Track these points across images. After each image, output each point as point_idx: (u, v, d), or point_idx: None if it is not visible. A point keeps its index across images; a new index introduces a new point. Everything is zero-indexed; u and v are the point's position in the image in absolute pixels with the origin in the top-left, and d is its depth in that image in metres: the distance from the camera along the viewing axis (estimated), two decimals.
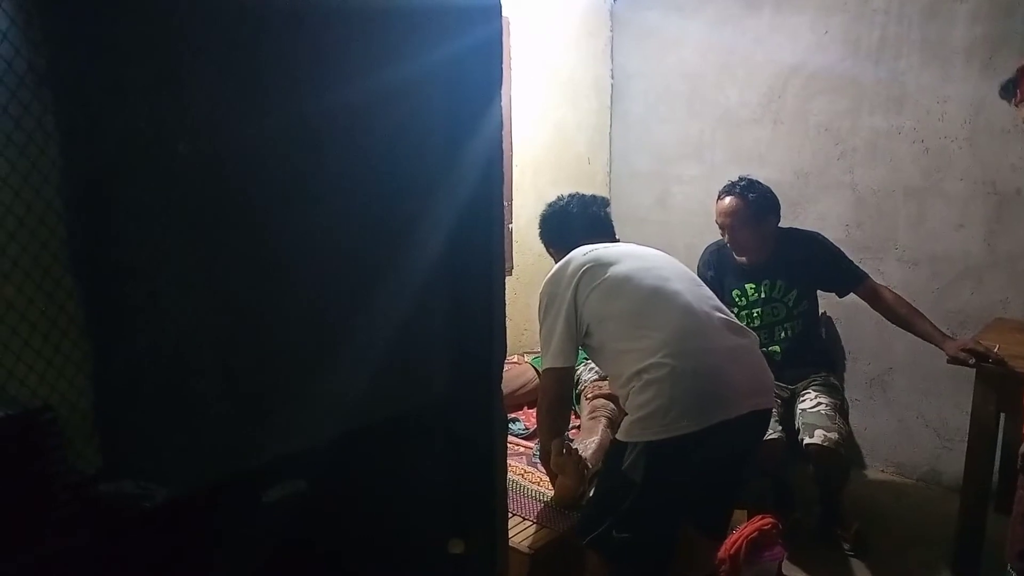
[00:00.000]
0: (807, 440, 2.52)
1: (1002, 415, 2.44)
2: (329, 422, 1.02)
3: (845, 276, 2.78)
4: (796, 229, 2.89)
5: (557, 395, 2.04)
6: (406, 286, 1.09)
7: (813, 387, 2.77)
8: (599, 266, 1.96)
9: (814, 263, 2.79)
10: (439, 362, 1.16)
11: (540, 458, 2.24)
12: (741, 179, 2.77)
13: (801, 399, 2.74)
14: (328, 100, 0.96)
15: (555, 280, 2.02)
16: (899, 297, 2.69)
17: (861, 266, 2.81)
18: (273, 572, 0.98)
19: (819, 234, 2.87)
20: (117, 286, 0.85)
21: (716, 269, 2.90)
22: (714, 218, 2.81)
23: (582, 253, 2.02)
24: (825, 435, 2.51)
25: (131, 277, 0.85)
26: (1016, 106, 1.79)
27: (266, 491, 0.92)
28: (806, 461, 2.62)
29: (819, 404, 2.66)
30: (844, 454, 2.57)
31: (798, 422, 2.63)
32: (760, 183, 2.76)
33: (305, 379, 1.00)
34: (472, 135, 1.10)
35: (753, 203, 2.71)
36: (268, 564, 0.97)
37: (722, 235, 2.81)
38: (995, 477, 2.61)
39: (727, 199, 2.75)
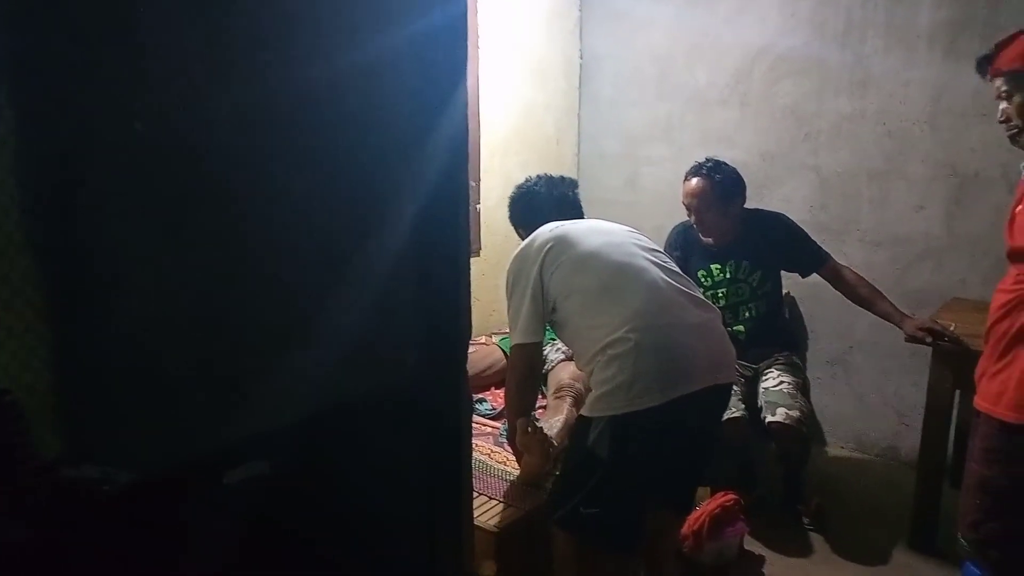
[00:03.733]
0: (769, 418, 2.57)
1: (957, 392, 2.51)
2: (295, 403, 1.02)
3: (809, 257, 2.82)
4: (761, 210, 2.92)
5: (525, 372, 2.06)
6: (373, 266, 1.08)
7: (776, 366, 2.82)
8: (565, 241, 1.97)
9: (779, 244, 2.83)
10: (406, 342, 1.17)
11: (507, 437, 2.26)
12: (708, 160, 2.79)
13: (764, 378, 2.79)
14: (292, 79, 0.95)
15: (521, 257, 2.03)
16: (861, 277, 2.74)
17: (824, 247, 2.85)
18: (241, 554, 0.98)
19: (784, 215, 2.91)
20: (78, 268, 0.84)
21: (682, 249, 2.93)
22: (681, 199, 2.83)
23: (548, 230, 2.03)
24: (787, 413, 2.56)
25: (92, 259, 0.83)
26: (990, 80, 1.82)
27: (229, 473, 0.92)
28: (768, 439, 2.67)
29: (781, 383, 2.71)
30: (805, 432, 2.62)
31: (761, 400, 2.68)
32: (726, 164, 2.79)
33: (272, 360, 1.00)
34: (438, 115, 1.10)
35: (719, 184, 2.73)
36: (235, 546, 0.97)
37: (688, 216, 2.84)
38: (950, 452, 2.68)
39: (693, 180, 2.77)
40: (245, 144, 0.92)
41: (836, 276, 2.77)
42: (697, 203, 2.76)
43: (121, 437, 0.87)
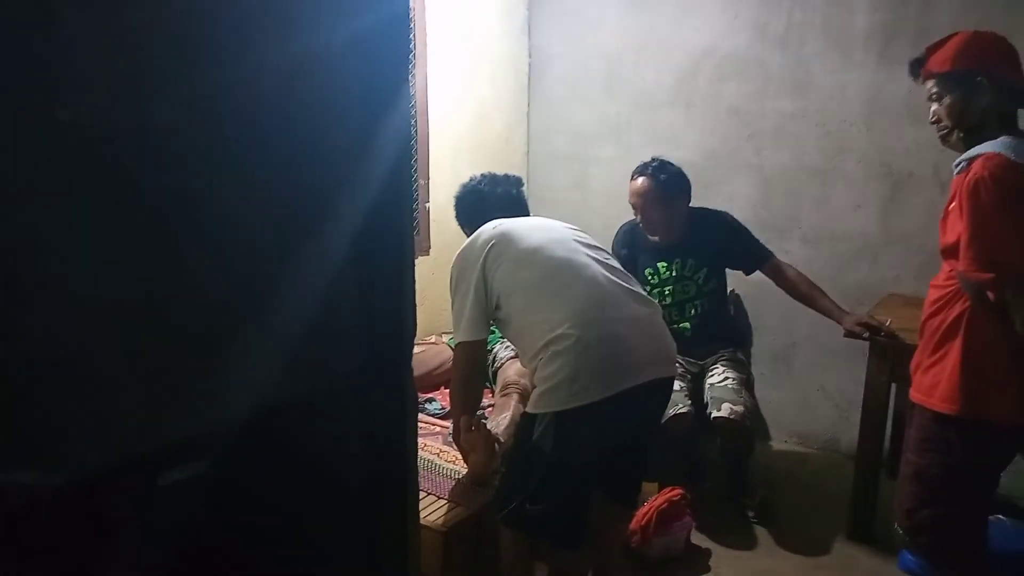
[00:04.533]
0: (715, 413, 2.62)
1: (893, 385, 2.58)
2: (233, 403, 1.00)
3: (752, 254, 2.88)
4: (707, 209, 2.97)
5: (469, 370, 2.06)
6: (314, 266, 1.06)
7: (721, 362, 2.86)
8: (507, 239, 1.98)
9: (723, 242, 2.88)
10: (349, 342, 1.15)
11: (453, 435, 2.25)
12: (653, 160, 2.83)
13: (709, 374, 2.83)
14: (226, 73, 0.92)
15: (464, 254, 2.02)
16: (801, 274, 2.81)
17: (767, 245, 2.92)
18: (174, 558, 0.95)
19: (728, 214, 2.96)
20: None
21: (630, 248, 2.96)
22: (628, 199, 2.86)
23: (490, 227, 2.03)
24: (732, 408, 2.61)
25: (15, 253, 0.80)
26: (922, 83, 1.88)
27: (162, 474, 0.89)
28: (714, 434, 2.71)
29: (726, 379, 2.76)
30: (749, 426, 2.67)
31: (706, 396, 2.73)
32: (672, 164, 2.82)
33: (208, 359, 0.97)
34: (382, 112, 1.08)
35: (664, 184, 2.77)
36: (168, 550, 0.94)
37: (635, 215, 2.87)
38: (887, 444, 2.77)
39: (639, 180, 2.80)
40: (177, 139, 0.89)
41: (778, 273, 2.83)
42: (643, 202, 2.80)
43: (44, 439, 0.84)
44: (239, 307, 1.00)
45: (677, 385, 2.43)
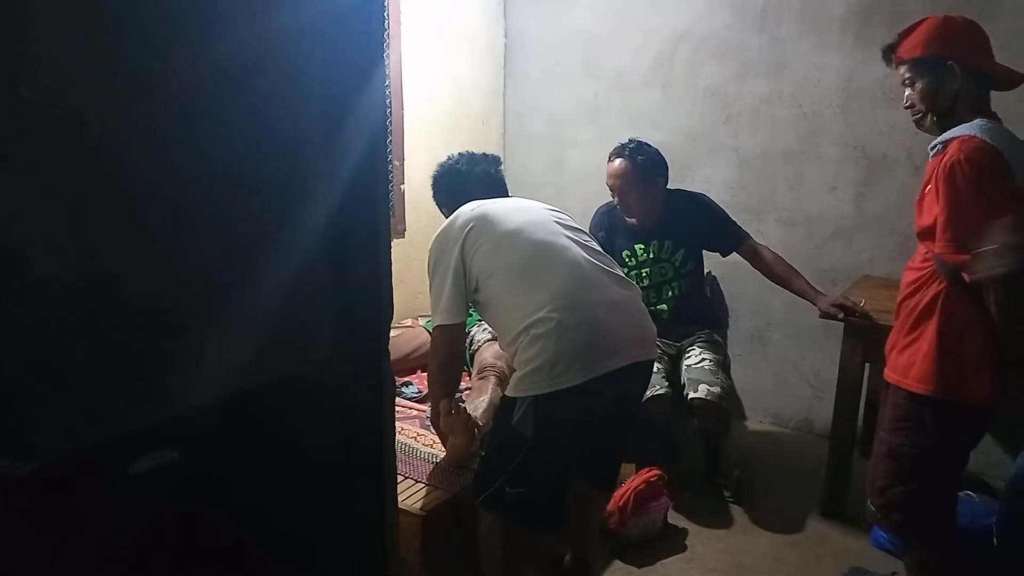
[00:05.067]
0: (692, 395, 2.63)
1: (867, 365, 2.61)
2: (209, 388, 0.98)
3: (729, 236, 2.89)
4: (684, 191, 2.98)
5: (447, 353, 2.04)
6: (289, 248, 1.05)
7: (698, 344, 2.88)
8: (487, 221, 1.96)
9: (700, 224, 2.89)
10: (325, 325, 1.13)
11: (432, 419, 2.24)
12: (631, 141, 2.82)
13: (687, 355, 2.85)
14: (196, 53, 0.90)
15: (443, 236, 2.00)
16: (778, 256, 2.83)
17: (744, 227, 2.93)
18: (148, 545, 0.94)
19: (705, 196, 2.97)
20: None
21: (607, 230, 2.96)
22: (605, 180, 2.85)
23: (469, 209, 2.01)
24: (709, 389, 2.62)
25: None
26: (895, 68, 1.89)
27: (134, 462, 0.87)
28: (691, 415, 2.73)
29: (703, 360, 2.78)
30: (726, 407, 2.69)
31: (683, 378, 2.74)
32: (649, 145, 2.82)
33: (181, 343, 0.95)
34: (356, 92, 1.06)
35: (641, 165, 2.76)
36: (147, 535, 0.93)
37: (612, 197, 2.86)
38: (860, 424, 2.81)
39: (616, 161, 2.79)
40: (146, 121, 0.87)
41: (754, 255, 2.85)
42: (621, 184, 2.79)
43: (14, 426, 0.82)
44: (212, 291, 0.98)
45: (654, 367, 2.44)
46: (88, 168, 0.82)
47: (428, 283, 2.03)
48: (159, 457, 0.89)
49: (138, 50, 0.84)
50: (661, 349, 2.83)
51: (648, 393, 2.51)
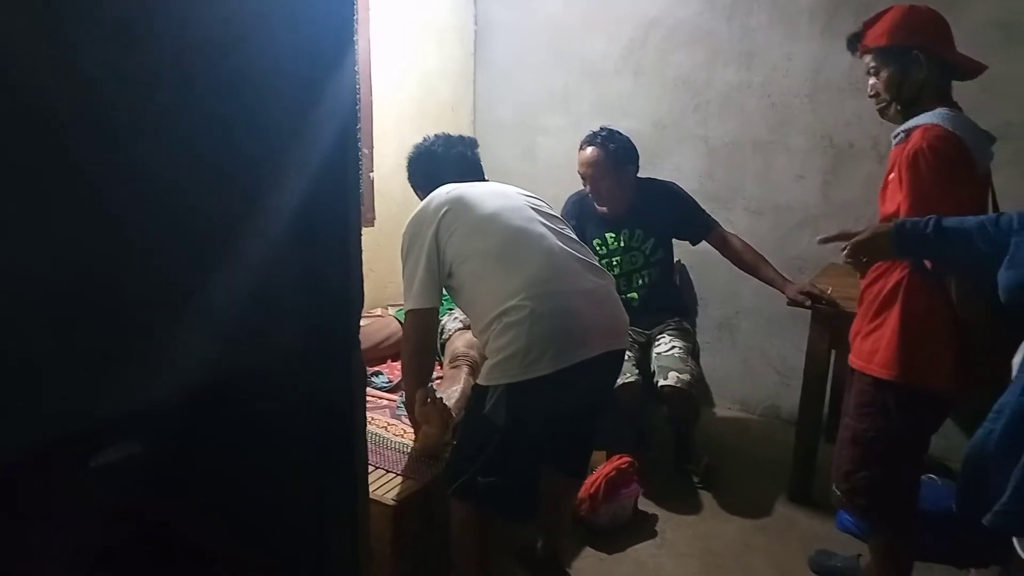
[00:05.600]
0: (662, 382, 2.65)
1: (833, 352, 2.65)
2: (176, 379, 0.96)
3: (698, 225, 2.91)
4: (654, 179, 2.99)
5: (420, 340, 2.01)
6: (257, 236, 1.02)
7: (668, 332, 2.90)
8: (462, 204, 1.94)
9: (670, 212, 2.90)
10: (294, 314, 1.11)
11: (405, 407, 2.23)
12: (602, 129, 2.82)
13: (656, 343, 2.87)
14: (162, 36, 0.87)
15: (417, 220, 1.97)
16: (746, 244, 2.85)
17: (713, 215, 2.95)
18: (122, 535, 0.92)
19: (675, 184, 2.98)
20: None
21: (578, 219, 2.96)
22: (576, 168, 2.85)
23: (445, 192, 1.98)
24: (678, 377, 2.64)
25: None
26: (860, 57, 1.91)
27: (95, 455, 0.85)
28: (660, 402, 2.75)
29: (673, 348, 2.80)
30: (695, 394, 2.72)
31: (653, 365, 2.76)
32: (620, 134, 2.82)
33: (147, 333, 0.93)
34: (325, 78, 1.04)
35: (613, 153, 2.77)
36: (114, 528, 0.91)
37: (584, 185, 2.86)
38: (826, 410, 2.85)
39: (588, 149, 2.79)
40: (111, 107, 0.84)
41: (723, 243, 2.87)
42: (592, 172, 2.79)
43: None
44: (179, 280, 0.95)
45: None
46: (49, 155, 0.80)
47: (401, 267, 2.00)
48: (122, 449, 0.87)
49: (99, 34, 0.82)
50: (631, 337, 2.84)
51: (619, 380, 2.52)
